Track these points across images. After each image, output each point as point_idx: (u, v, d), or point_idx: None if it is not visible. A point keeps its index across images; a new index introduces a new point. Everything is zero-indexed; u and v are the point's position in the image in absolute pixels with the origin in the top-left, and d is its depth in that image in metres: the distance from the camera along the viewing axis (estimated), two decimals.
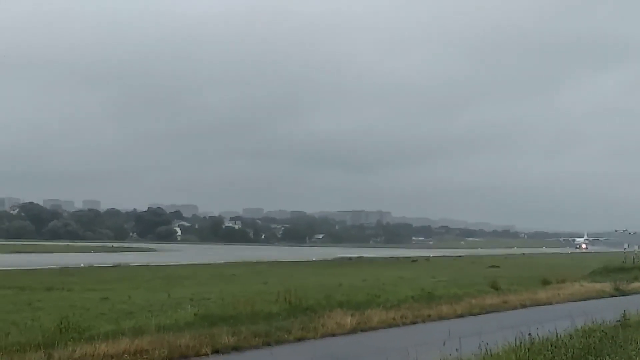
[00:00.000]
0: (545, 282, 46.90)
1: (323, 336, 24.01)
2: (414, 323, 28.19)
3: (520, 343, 16.72)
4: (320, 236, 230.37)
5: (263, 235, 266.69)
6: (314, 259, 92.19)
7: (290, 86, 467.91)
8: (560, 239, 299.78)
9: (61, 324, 21.42)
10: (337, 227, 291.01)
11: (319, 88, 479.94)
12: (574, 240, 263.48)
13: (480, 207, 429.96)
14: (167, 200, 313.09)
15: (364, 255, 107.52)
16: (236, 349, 21.10)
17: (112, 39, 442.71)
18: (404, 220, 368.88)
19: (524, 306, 35.33)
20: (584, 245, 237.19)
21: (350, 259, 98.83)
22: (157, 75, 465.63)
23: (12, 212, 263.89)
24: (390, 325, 27.02)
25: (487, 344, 16.75)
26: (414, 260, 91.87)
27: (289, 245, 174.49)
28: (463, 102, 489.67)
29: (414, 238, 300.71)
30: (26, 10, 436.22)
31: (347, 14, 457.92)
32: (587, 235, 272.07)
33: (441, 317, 29.72)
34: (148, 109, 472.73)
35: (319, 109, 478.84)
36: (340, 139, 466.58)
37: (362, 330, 25.71)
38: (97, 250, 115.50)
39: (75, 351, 18.37)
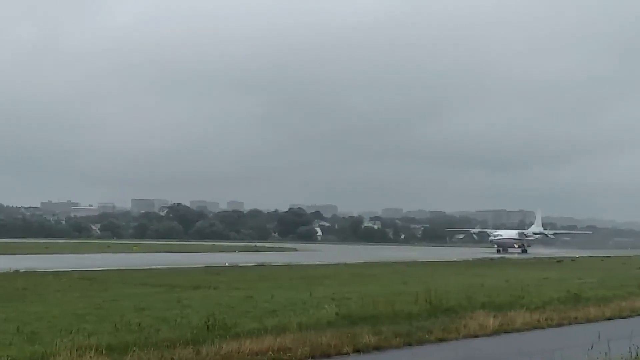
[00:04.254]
0: None
1: (465, 337, 23.70)
2: (559, 325, 27.34)
3: None
4: (461, 236, 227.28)
5: (402, 235, 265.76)
6: (454, 259, 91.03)
7: (432, 87, 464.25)
8: None
9: (208, 321, 22.14)
10: (478, 227, 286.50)
11: (460, 88, 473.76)
12: None
13: (629, 206, 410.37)
14: (307, 200, 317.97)
15: (506, 255, 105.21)
16: (377, 348, 21.15)
17: (263, 47, 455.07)
18: (548, 220, 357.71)
19: None
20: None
21: (492, 259, 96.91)
22: (302, 81, 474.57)
23: (161, 213, 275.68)
24: (534, 328, 26.35)
25: (638, 347, 16.04)
26: (558, 260, 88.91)
27: (428, 245, 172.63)
28: (609, 101, 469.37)
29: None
30: (182, 27, 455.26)
31: (491, 13, 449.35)
32: None
33: (588, 320, 28.69)
34: (292, 113, 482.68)
35: (460, 109, 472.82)
36: (481, 139, 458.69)
37: (505, 332, 25.18)
38: (240, 249, 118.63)
39: (222, 348, 18.95)
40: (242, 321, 24.04)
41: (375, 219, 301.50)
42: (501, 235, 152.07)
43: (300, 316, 25.56)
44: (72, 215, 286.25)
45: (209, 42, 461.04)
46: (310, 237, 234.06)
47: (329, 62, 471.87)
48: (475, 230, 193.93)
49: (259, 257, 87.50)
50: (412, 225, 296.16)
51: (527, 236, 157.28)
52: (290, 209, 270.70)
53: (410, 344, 22.03)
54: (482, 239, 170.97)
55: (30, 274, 47.97)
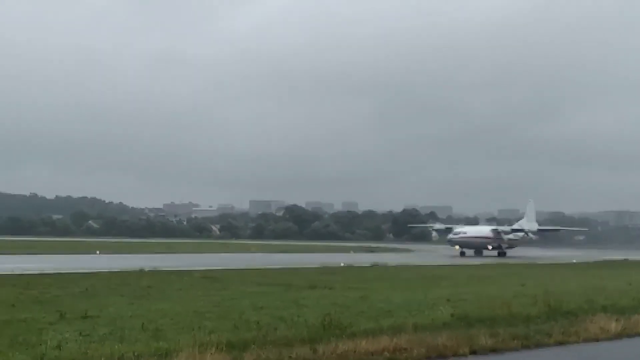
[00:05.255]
0: None
1: (585, 341, 23.08)
2: None
3: None
4: (581, 237, 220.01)
5: None
6: (574, 261, 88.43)
7: (551, 86, 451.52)
8: None
9: (324, 320, 22.41)
10: (599, 228, 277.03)
11: (581, 87, 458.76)
12: None
13: None
14: (422, 201, 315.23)
15: (629, 258, 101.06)
16: (494, 350, 20.90)
17: (379, 50, 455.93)
18: None
19: None
20: None
21: (615, 261, 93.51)
22: (418, 83, 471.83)
23: (277, 214, 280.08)
24: None
25: None
26: None
27: (546, 247, 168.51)
28: None
29: None
30: (301, 34, 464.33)
31: (613, 8, 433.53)
32: None
33: None
34: (407, 115, 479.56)
35: (579, 109, 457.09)
36: (604, 138, 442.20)
37: (628, 337, 24.37)
38: (355, 250, 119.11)
39: (338, 347, 19.17)
40: (357, 321, 24.19)
41: (491, 219, 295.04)
42: (465, 233, 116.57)
43: (415, 317, 25.53)
44: (193, 216, 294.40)
45: (326, 47, 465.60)
46: (424, 238, 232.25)
47: (445, 63, 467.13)
48: (441, 227, 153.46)
49: (374, 257, 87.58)
50: None
51: (505, 233, 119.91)
52: (404, 210, 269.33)
53: (528, 347, 21.66)
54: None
55: (154, 273, 49.77)
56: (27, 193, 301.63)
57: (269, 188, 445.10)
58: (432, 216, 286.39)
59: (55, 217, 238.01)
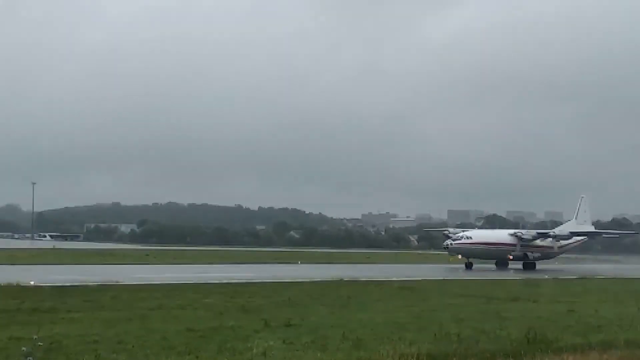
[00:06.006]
0: None
1: None
2: None
3: None
4: None
5: None
6: None
7: None
8: None
9: (528, 334, 21.67)
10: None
11: None
12: None
13: None
14: (633, 210, 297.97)
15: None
16: None
17: (581, 51, 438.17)
18: None
19: None
20: None
21: None
22: (629, 86, 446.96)
23: (477, 224, 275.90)
24: None
25: None
26: None
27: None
28: None
29: None
30: (498, 39, 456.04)
31: None
32: None
33: None
34: (617, 121, 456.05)
35: None
36: None
37: None
38: (560, 261, 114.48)
39: None
40: (563, 336, 23.20)
41: None
42: (469, 238, 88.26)
43: (627, 332, 24.14)
44: (390, 226, 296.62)
45: (523, 50, 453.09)
46: (637, 249, 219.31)
47: None
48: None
49: (580, 268, 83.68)
50: None
51: (532, 239, 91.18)
52: (613, 219, 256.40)
53: None
54: None
55: (353, 283, 50.37)
56: (233, 204, 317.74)
57: (467, 197, 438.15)
58: None
59: (258, 227, 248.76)
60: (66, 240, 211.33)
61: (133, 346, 19.98)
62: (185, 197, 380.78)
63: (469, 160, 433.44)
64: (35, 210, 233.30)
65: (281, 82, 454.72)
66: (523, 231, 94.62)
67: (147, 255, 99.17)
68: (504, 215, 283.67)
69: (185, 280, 48.01)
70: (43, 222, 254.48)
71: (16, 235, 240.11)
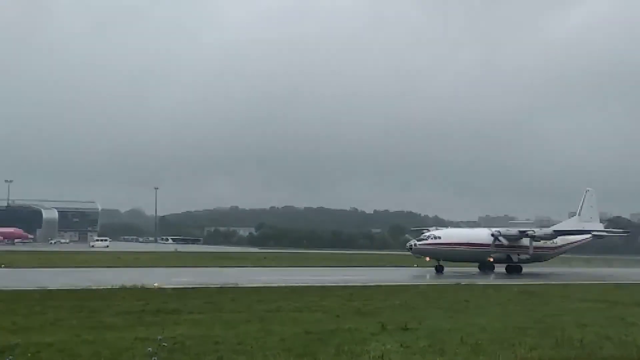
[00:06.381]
0: None
1: None
2: None
3: None
4: None
5: None
6: None
7: None
8: None
9: None
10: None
11: None
12: None
13: None
14: None
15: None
16: None
17: None
18: None
19: None
20: None
21: None
22: None
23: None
24: None
25: None
26: None
27: None
28: None
29: None
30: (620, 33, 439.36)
31: None
32: None
33: None
34: None
35: None
36: None
37: None
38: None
39: None
40: None
41: None
42: (437, 238, 76.94)
43: None
44: None
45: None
46: None
47: None
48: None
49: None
50: None
51: (514, 238, 79.58)
52: None
53: None
54: None
55: (471, 287, 49.65)
56: (348, 208, 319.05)
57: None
58: None
59: (374, 230, 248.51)
60: (187, 243, 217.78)
61: (252, 347, 20.38)
62: (301, 201, 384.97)
63: (589, 161, 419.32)
64: (157, 214, 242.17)
65: (397, 83, 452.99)
66: (501, 229, 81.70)
67: (265, 258, 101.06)
68: (628, 217, 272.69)
69: (302, 283, 48.62)
70: (165, 226, 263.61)
71: (140, 239, 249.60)
